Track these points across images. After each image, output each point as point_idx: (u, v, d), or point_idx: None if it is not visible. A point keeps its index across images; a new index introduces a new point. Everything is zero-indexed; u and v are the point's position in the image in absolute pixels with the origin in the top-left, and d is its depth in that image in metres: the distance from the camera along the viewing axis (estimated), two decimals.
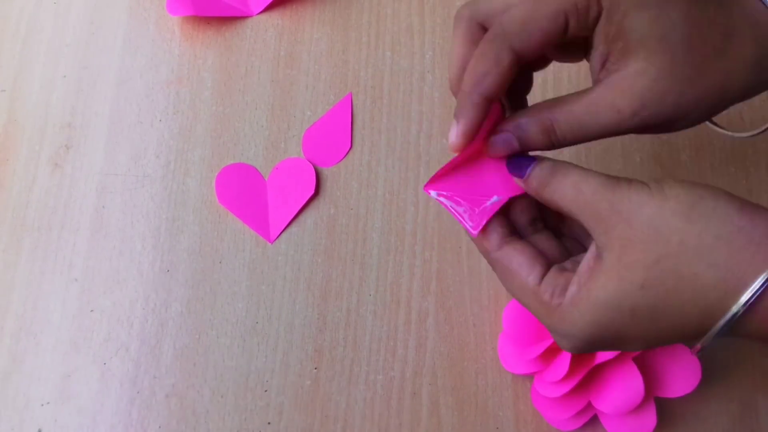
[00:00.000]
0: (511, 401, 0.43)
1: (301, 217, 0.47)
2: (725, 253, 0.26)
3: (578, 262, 0.29)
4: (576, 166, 0.30)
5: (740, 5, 0.30)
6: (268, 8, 0.51)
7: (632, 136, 0.47)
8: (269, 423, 0.43)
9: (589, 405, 0.41)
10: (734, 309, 0.25)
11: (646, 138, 0.47)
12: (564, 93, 0.49)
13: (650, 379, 0.40)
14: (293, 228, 0.47)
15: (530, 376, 0.43)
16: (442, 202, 0.32)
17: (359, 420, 0.43)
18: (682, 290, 0.26)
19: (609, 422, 0.41)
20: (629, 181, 0.28)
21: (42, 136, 0.49)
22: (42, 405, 0.44)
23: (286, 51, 0.50)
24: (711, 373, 0.42)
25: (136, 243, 0.47)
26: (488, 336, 0.44)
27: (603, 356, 0.39)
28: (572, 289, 0.28)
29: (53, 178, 0.48)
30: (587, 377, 0.40)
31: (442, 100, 0.49)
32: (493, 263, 0.31)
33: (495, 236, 0.31)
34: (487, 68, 0.29)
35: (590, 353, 0.40)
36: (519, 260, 0.30)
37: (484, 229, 0.31)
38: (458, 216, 0.31)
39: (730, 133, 0.35)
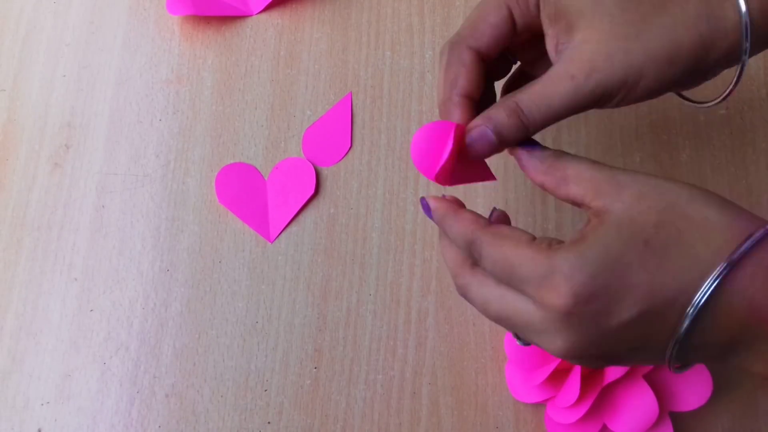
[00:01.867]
0: (511, 401, 0.43)
1: (301, 217, 0.47)
2: (730, 206, 0.27)
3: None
4: None
5: None
6: (268, 8, 0.51)
7: (632, 135, 0.47)
8: (269, 422, 0.43)
9: (605, 427, 0.41)
10: (744, 247, 0.25)
11: (646, 137, 0.47)
12: None
13: (662, 394, 0.40)
14: (293, 228, 0.47)
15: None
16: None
17: (359, 420, 0.43)
18: (693, 230, 0.26)
19: None
20: None
21: (42, 135, 0.49)
22: (42, 404, 0.44)
23: (286, 50, 0.50)
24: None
25: (136, 242, 0.47)
26: (488, 336, 0.44)
27: (613, 374, 0.39)
28: (573, 237, 0.28)
29: (53, 178, 0.48)
30: (599, 399, 0.40)
31: None
32: (483, 238, 0.29)
33: (485, 220, 0.31)
34: (456, 71, 0.32)
35: (599, 370, 0.40)
36: (512, 228, 0.30)
37: (470, 218, 0.31)
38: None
39: (696, 104, 0.36)
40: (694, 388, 0.40)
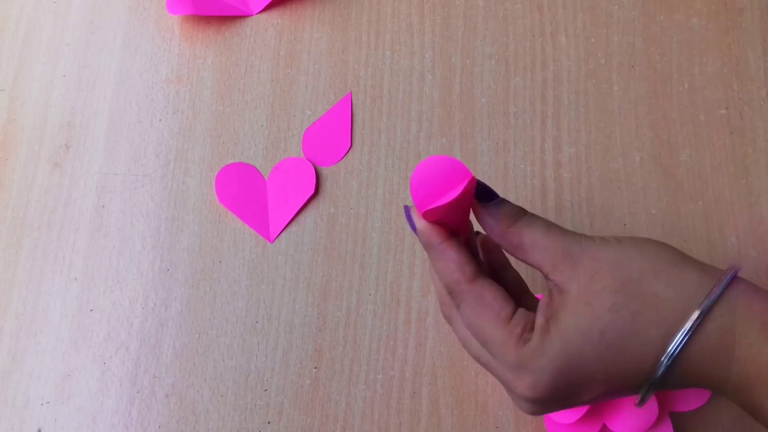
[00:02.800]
0: (511, 401, 0.43)
1: (301, 217, 0.47)
2: (678, 274, 0.28)
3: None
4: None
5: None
6: (268, 7, 0.51)
7: (632, 135, 0.47)
8: (269, 422, 0.43)
9: (605, 427, 0.41)
10: (688, 324, 0.27)
11: (646, 137, 0.47)
12: (563, 92, 0.49)
13: (662, 394, 0.40)
14: (293, 227, 0.46)
15: None
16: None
17: (359, 419, 0.43)
18: (646, 312, 0.28)
19: None
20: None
21: (41, 135, 0.49)
22: (42, 404, 0.44)
23: (285, 50, 0.50)
24: None
25: (136, 242, 0.47)
26: None
27: None
28: (539, 321, 0.29)
29: (53, 178, 0.48)
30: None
31: (441, 99, 0.49)
32: (463, 294, 0.31)
33: (469, 268, 0.31)
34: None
35: None
36: (493, 294, 0.30)
37: (458, 261, 0.31)
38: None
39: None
40: (694, 389, 0.40)
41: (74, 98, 0.50)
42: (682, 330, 0.27)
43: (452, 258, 0.31)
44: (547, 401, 0.30)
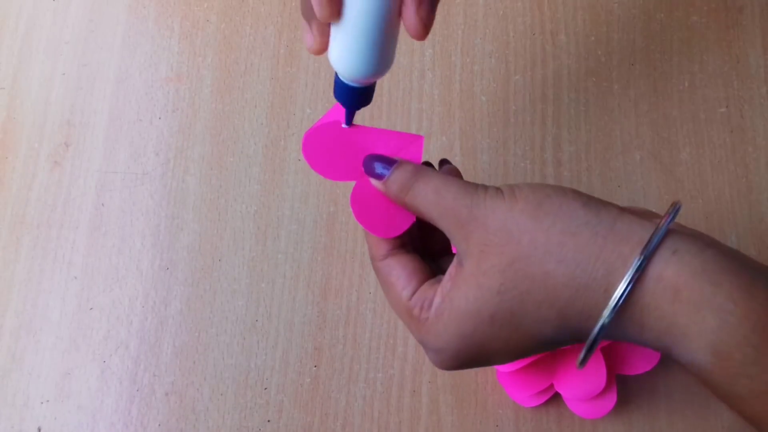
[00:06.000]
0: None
1: (301, 215, 0.47)
2: (572, 248, 0.26)
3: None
4: (437, 171, 0.30)
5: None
6: (268, 5, 0.51)
7: (633, 133, 0.47)
8: (269, 421, 0.43)
9: (552, 387, 0.41)
10: (605, 314, 0.25)
11: (646, 136, 0.47)
12: (563, 90, 0.48)
13: (612, 357, 0.41)
14: (292, 225, 0.46)
15: None
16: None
17: (359, 418, 0.43)
18: (535, 291, 0.26)
19: (571, 401, 0.41)
20: (486, 187, 0.28)
21: (41, 133, 0.49)
22: (41, 403, 0.44)
23: (285, 49, 0.50)
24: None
25: (136, 241, 0.47)
26: None
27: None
28: (437, 300, 0.29)
29: (52, 176, 0.48)
30: (551, 358, 0.41)
31: (441, 98, 0.49)
32: (376, 271, 0.32)
33: (384, 246, 0.31)
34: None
35: None
36: (398, 273, 0.30)
37: (377, 239, 0.31)
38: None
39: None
40: (643, 352, 0.41)
41: (74, 96, 0.50)
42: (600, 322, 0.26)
43: (369, 235, 0.31)
44: (456, 368, 0.30)
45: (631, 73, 0.48)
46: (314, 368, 0.44)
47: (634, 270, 0.25)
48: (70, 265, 0.46)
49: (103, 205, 0.47)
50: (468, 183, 0.29)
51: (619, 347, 0.41)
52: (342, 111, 0.32)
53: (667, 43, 0.49)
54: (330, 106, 0.48)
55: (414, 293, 0.30)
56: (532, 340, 0.28)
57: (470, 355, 0.29)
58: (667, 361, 0.42)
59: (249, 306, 0.45)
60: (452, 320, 0.28)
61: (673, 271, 0.25)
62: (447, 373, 0.43)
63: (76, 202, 0.47)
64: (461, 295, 0.28)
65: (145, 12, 0.51)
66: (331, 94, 0.50)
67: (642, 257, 0.25)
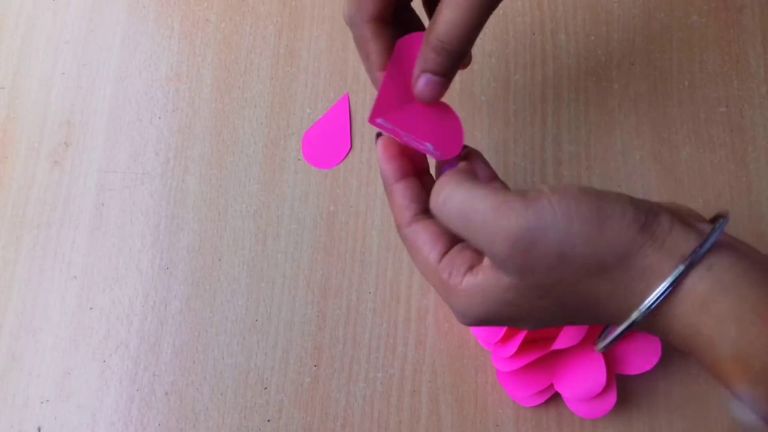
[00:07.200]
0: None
1: (301, 215, 0.47)
2: (622, 270, 0.27)
3: None
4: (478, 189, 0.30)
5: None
6: (267, 4, 0.51)
7: (633, 133, 0.47)
8: (269, 420, 0.43)
9: (552, 388, 0.41)
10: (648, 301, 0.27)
11: (646, 135, 0.47)
12: (563, 89, 0.48)
13: (611, 357, 0.41)
14: (292, 225, 0.46)
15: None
16: (389, 130, 0.33)
17: (359, 418, 0.43)
18: (575, 300, 0.28)
19: (571, 401, 0.41)
20: (525, 195, 0.28)
21: (41, 133, 0.49)
22: (41, 403, 0.44)
23: (285, 48, 0.50)
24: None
25: (136, 240, 0.47)
26: None
27: (561, 343, 0.39)
28: (469, 278, 0.29)
29: (52, 176, 0.48)
30: (551, 358, 0.41)
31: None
32: (403, 239, 0.33)
33: (407, 213, 0.32)
34: (365, 49, 0.33)
35: (546, 338, 0.41)
36: (424, 237, 0.31)
37: (400, 205, 0.32)
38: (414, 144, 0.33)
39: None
40: (643, 352, 0.41)
41: (74, 96, 0.50)
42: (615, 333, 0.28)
43: (396, 201, 0.32)
44: (480, 326, 0.32)
45: (631, 73, 0.48)
46: (314, 368, 0.44)
47: (671, 282, 0.26)
48: (69, 265, 0.46)
49: (103, 204, 0.47)
50: (512, 199, 0.28)
51: (619, 347, 0.41)
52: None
53: (667, 42, 0.49)
54: (330, 106, 0.49)
55: (442, 256, 0.31)
56: (562, 321, 0.30)
57: (497, 323, 0.30)
58: (667, 361, 0.42)
59: (249, 306, 0.45)
60: (484, 302, 0.29)
61: (705, 286, 0.26)
62: (447, 372, 0.43)
63: (76, 201, 0.47)
64: (499, 290, 0.29)
65: (144, 12, 0.51)
66: (332, 94, 0.50)
67: (679, 270, 0.26)
